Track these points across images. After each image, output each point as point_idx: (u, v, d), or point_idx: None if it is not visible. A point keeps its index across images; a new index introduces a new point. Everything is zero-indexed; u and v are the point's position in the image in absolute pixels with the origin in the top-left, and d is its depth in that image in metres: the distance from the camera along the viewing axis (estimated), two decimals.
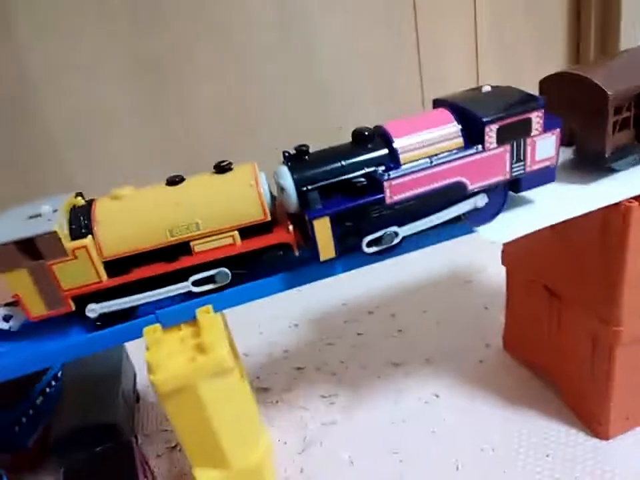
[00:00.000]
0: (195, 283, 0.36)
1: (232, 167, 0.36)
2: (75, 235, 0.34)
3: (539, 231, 0.38)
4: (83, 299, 0.35)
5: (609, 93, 0.37)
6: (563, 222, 0.38)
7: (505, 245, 0.52)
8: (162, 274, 0.35)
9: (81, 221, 0.34)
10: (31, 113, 0.71)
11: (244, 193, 0.35)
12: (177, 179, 0.35)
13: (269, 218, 0.35)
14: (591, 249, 0.41)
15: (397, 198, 0.35)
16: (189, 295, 0.36)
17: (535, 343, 0.52)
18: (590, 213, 0.38)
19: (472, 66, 0.86)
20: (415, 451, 0.49)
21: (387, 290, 0.72)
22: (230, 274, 0.36)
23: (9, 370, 0.36)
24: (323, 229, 0.34)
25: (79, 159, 0.75)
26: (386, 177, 0.34)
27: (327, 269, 0.38)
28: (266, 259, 0.36)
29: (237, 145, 0.79)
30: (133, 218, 0.34)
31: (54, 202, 0.35)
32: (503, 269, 0.54)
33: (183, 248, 0.35)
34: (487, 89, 0.38)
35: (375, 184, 0.34)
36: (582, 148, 0.41)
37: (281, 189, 0.35)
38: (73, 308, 0.35)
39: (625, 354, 0.42)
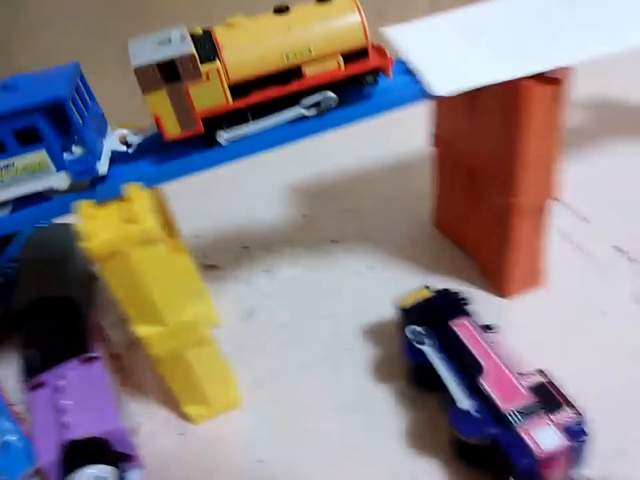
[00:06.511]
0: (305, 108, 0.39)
1: None
2: (204, 59, 0.35)
3: (459, 114, 0.42)
4: (208, 123, 0.37)
5: None
6: (474, 104, 0.40)
7: (436, 129, 0.54)
8: (274, 100, 0.38)
9: (207, 47, 0.35)
10: None
11: (349, 20, 0.38)
12: (283, 8, 0.38)
13: (370, 44, 0.39)
14: (498, 129, 0.44)
15: None
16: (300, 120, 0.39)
17: (457, 219, 0.57)
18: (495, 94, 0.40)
19: None
20: (347, 315, 0.55)
21: (332, 174, 0.75)
22: (336, 97, 0.39)
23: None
24: None
25: None
26: None
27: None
28: (367, 81, 0.39)
29: None
30: (253, 43, 0.36)
31: (177, 30, 0.36)
32: None
33: (294, 73, 0.38)
34: None
35: None
36: None
37: None
38: (202, 130, 0.37)
39: (523, 223, 0.47)
